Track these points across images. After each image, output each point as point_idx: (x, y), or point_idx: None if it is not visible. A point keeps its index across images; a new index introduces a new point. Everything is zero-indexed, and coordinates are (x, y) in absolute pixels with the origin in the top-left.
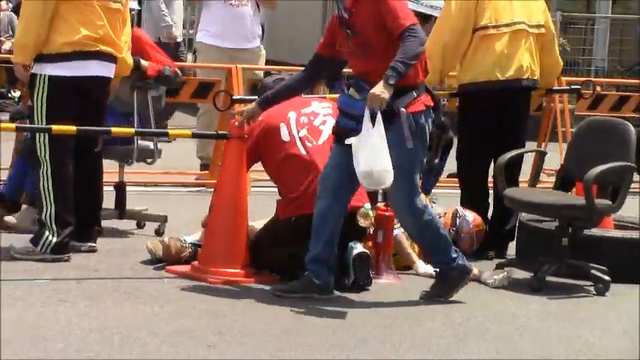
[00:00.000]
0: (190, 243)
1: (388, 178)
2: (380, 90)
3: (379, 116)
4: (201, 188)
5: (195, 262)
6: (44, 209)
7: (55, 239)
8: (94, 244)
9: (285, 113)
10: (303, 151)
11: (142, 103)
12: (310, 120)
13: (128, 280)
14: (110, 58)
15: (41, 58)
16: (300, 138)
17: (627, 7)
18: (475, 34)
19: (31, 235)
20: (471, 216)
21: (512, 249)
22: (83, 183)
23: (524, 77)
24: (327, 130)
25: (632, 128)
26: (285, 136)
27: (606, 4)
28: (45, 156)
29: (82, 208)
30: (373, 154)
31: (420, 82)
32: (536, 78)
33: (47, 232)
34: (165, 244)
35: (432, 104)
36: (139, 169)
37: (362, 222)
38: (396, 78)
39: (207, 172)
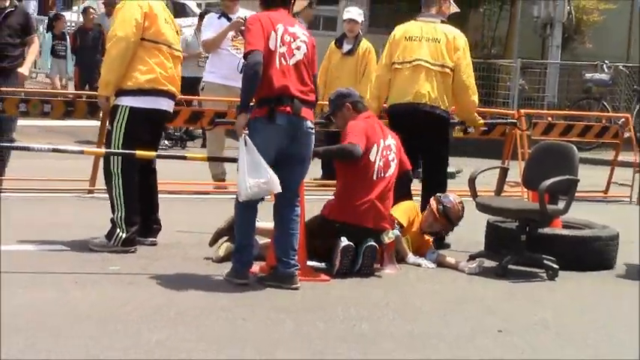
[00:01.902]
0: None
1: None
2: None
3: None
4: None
5: (263, 263)
6: (116, 212)
7: (124, 235)
8: (154, 239)
9: (379, 137)
10: (375, 177)
11: None
12: (387, 155)
13: (182, 268)
14: (173, 96)
15: (123, 92)
16: (378, 166)
17: (574, 55)
18: (392, 69)
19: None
20: (450, 195)
21: (482, 244)
22: (145, 192)
23: (422, 102)
24: (393, 167)
25: (575, 150)
26: (372, 156)
27: (557, 51)
28: (117, 170)
29: (145, 211)
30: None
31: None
32: (437, 105)
33: (118, 230)
34: (229, 247)
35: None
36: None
37: (385, 239)
38: (240, 107)
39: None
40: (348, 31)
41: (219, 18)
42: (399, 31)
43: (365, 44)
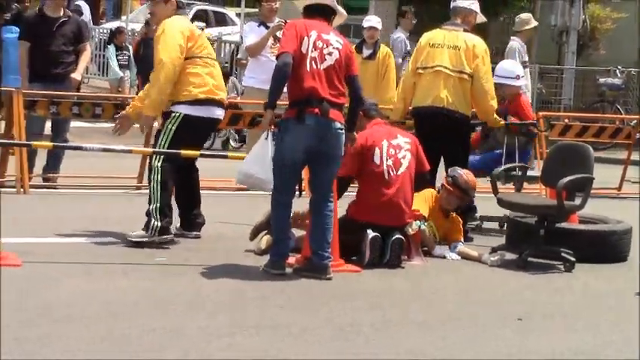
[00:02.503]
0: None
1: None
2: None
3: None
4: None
5: (299, 255)
6: (152, 203)
7: (159, 224)
8: (198, 233)
9: (381, 139)
10: (386, 177)
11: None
12: (396, 153)
13: (223, 259)
14: (224, 104)
15: (178, 102)
16: (387, 165)
17: (588, 60)
18: (416, 73)
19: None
20: (457, 169)
21: (503, 238)
22: (189, 188)
23: (442, 105)
24: (405, 164)
25: (591, 150)
26: (377, 158)
27: (572, 57)
28: (158, 164)
29: (188, 206)
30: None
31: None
32: (455, 109)
33: (153, 220)
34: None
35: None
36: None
37: (410, 231)
38: (267, 105)
39: None
40: (369, 37)
41: (258, 27)
42: (425, 38)
43: (384, 49)
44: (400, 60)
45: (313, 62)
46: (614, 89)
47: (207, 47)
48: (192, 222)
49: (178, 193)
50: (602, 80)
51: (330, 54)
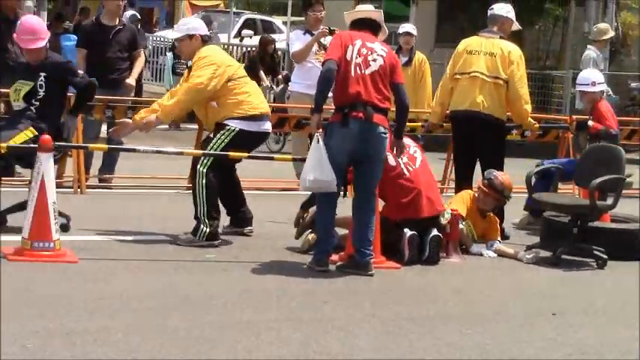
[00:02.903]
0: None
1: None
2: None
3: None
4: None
5: (342, 252)
6: (198, 208)
7: (207, 230)
8: (250, 227)
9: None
10: (406, 173)
11: None
12: (407, 151)
13: (269, 256)
14: (269, 117)
15: (233, 118)
16: (403, 164)
17: (621, 66)
18: (454, 78)
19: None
20: (493, 171)
21: (538, 236)
22: (232, 189)
23: (478, 110)
24: (419, 158)
25: (623, 151)
26: (392, 161)
27: (605, 63)
28: (203, 170)
29: (236, 205)
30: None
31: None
32: (491, 112)
33: (202, 226)
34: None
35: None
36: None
37: (443, 220)
38: (314, 109)
39: None
40: (404, 43)
41: (304, 34)
42: (462, 45)
43: (420, 56)
44: None
45: (358, 68)
46: None
47: (240, 68)
48: (242, 218)
49: (222, 195)
50: (633, 85)
51: (374, 60)
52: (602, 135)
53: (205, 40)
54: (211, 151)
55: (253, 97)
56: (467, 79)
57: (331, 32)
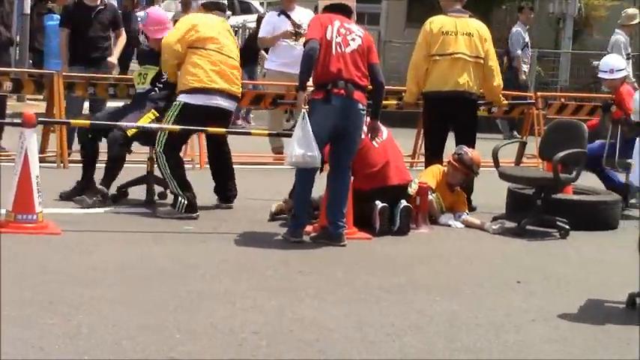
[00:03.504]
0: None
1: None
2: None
3: (301, 115)
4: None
5: (316, 224)
6: (170, 184)
7: (185, 201)
8: (230, 204)
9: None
10: (375, 144)
11: None
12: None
13: (246, 228)
14: (228, 94)
15: (180, 92)
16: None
17: (583, 45)
18: (430, 59)
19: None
20: (464, 147)
21: (504, 208)
22: (221, 165)
23: (461, 90)
24: (385, 131)
25: (585, 126)
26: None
27: (569, 42)
28: (160, 150)
29: (222, 181)
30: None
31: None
32: (473, 91)
33: (180, 198)
34: (278, 206)
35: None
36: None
37: (410, 190)
38: (298, 87)
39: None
40: None
41: (278, 15)
42: (435, 25)
43: None
44: (519, 51)
45: (338, 47)
46: None
47: (216, 40)
48: (225, 195)
49: (213, 169)
50: (595, 63)
51: (353, 40)
52: (622, 122)
53: (208, 8)
54: (163, 132)
55: (202, 71)
56: (448, 60)
57: (297, 35)
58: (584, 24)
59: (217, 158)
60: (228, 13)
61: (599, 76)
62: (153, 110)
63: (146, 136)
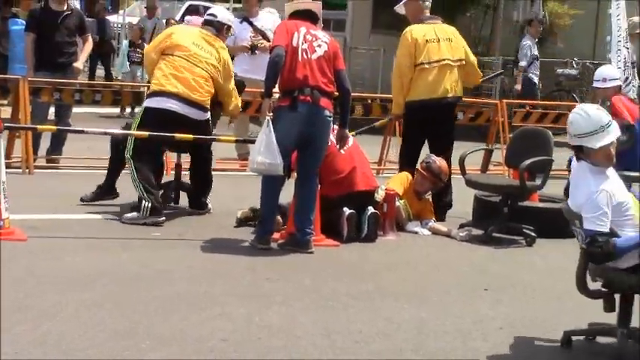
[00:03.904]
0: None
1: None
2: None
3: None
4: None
5: (283, 230)
6: (137, 189)
7: (149, 204)
8: (202, 211)
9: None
10: (342, 151)
11: None
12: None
13: (214, 234)
14: (178, 96)
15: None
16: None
17: (547, 53)
18: (416, 68)
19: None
20: (432, 155)
21: (470, 215)
22: (199, 172)
23: (448, 96)
24: (350, 139)
25: (550, 134)
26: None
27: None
28: (128, 155)
29: (197, 188)
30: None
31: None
32: (459, 95)
33: (144, 201)
34: (244, 213)
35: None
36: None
37: (378, 197)
38: (264, 94)
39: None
40: None
41: (240, 22)
42: (416, 34)
43: None
44: (524, 62)
45: (304, 53)
46: (571, 79)
47: (185, 48)
48: (197, 202)
49: (190, 175)
50: (559, 71)
51: (319, 46)
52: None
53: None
54: (133, 132)
55: (162, 75)
56: (437, 67)
57: (252, 50)
58: (548, 32)
59: (195, 165)
60: (233, 31)
61: (593, 85)
62: None
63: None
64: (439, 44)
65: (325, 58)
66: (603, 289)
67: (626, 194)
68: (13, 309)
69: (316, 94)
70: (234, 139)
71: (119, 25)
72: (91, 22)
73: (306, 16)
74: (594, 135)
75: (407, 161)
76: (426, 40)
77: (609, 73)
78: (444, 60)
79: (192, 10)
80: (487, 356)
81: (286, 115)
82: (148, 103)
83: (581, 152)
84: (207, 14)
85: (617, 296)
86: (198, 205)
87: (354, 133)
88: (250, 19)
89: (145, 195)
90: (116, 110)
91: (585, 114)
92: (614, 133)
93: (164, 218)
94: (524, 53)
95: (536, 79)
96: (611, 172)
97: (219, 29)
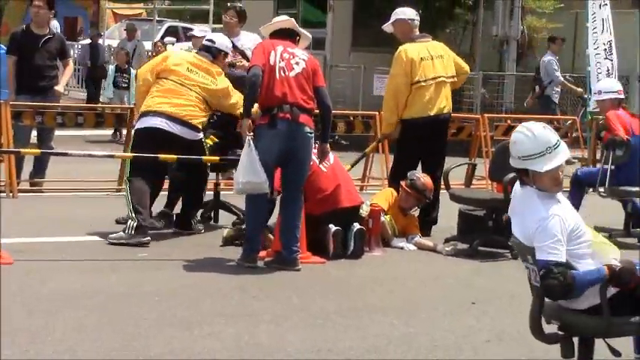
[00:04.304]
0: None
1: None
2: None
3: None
4: None
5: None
6: (127, 207)
7: (134, 223)
8: (187, 231)
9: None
10: (325, 170)
11: None
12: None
13: (201, 254)
14: (161, 114)
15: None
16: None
17: (527, 67)
18: (412, 87)
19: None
20: (416, 172)
21: (455, 229)
22: (190, 192)
23: (444, 112)
24: (332, 156)
25: None
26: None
27: (512, 64)
28: (126, 177)
29: (186, 208)
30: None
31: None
32: (449, 112)
33: (130, 221)
34: (229, 232)
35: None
36: None
37: (363, 213)
38: (243, 113)
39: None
40: None
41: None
42: (411, 53)
43: None
44: (561, 77)
45: (282, 71)
46: None
47: (179, 73)
48: (185, 224)
49: (183, 198)
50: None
51: (297, 63)
52: (609, 144)
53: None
54: (129, 159)
55: (151, 98)
56: (433, 85)
57: (232, 66)
58: (527, 46)
59: (187, 186)
60: (173, 39)
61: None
62: (211, 136)
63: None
64: (433, 62)
65: (304, 76)
66: (560, 333)
67: (578, 220)
68: (2, 332)
69: (295, 111)
70: (219, 157)
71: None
72: (84, 48)
73: (284, 35)
74: (541, 157)
75: (396, 180)
76: (421, 59)
77: (605, 85)
78: (439, 77)
79: (172, 32)
80: None
81: (266, 132)
82: (138, 124)
83: (525, 176)
84: (206, 40)
85: (575, 340)
86: (185, 226)
87: (349, 167)
88: (231, 39)
89: (134, 215)
90: (102, 132)
91: (531, 133)
92: (562, 155)
93: (149, 238)
94: (553, 68)
95: (555, 98)
96: (560, 196)
97: (216, 56)
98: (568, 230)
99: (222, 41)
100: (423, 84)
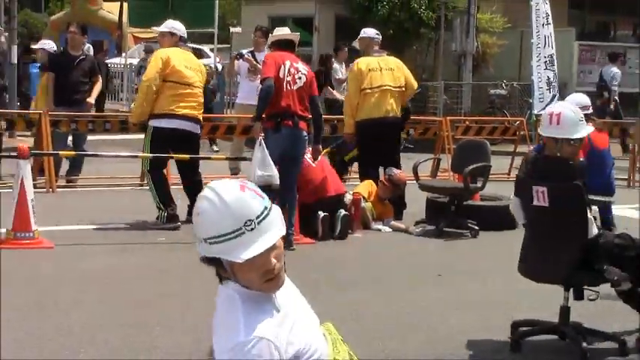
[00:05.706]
0: None
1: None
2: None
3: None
4: None
5: None
6: (155, 200)
7: (165, 213)
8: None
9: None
10: (313, 164)
11: None
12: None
13: None
14: (188, 118)
15: (150, 117)
16: (309, 158)
17: (481, 77)
18: (361, 93)
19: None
20: (394, 169)
21: (424, 213)
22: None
23: (389, 116)
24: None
25: (488, 144)
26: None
27: (469, 75)
28: (146, 169)
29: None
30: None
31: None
32: (398, 116)
33: (161, 211)
34: None
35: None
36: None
37: (346, 200)
38: (255, 118)
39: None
40: None
41: (246, 53)
42: (362, 65)
43: None
44: (616, 88)
45: (288, 85)
46: (501, 98)
47: (181, 74)
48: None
49: (186, 189)
50: (492, 92)
51: (299, 78)
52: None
53: (182, 41)
54: (147, 153)
55: (172, 101)
56: (378, 92)
57: (238, 56)
58: (481, 59)
59: (189, 183)
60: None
61: None
62: None
63: None
64: (381, 73)
65: (304, 89)
66: None
67: (311, 333)
68: (36, 306)
69: (296, 119)
70: (226, 157)
71: (122, 65)
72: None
73: (285, 45)
74: (237, 237)
75: (366, 171)
76: (369, 69)
77: (572, 100)
78: (385, 86)
79: None
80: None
81: (271, 135)
82: (158, 123)
83: (220, 268)
84: (177, 30)
85: None
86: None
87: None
88: (257, 54)
89: (162, 206)
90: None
91: (220, 202)
92: (275, 231)
93: (179, 224)
94: (614, 78)
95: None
96: (285, 296)
97: (185, 41)
98: (289, 357)
99: (179, 27)
100: (368, 91)
